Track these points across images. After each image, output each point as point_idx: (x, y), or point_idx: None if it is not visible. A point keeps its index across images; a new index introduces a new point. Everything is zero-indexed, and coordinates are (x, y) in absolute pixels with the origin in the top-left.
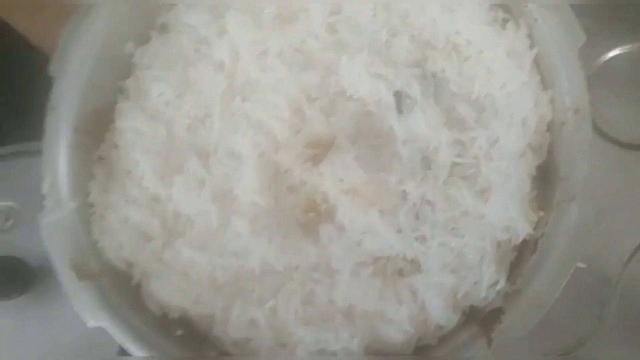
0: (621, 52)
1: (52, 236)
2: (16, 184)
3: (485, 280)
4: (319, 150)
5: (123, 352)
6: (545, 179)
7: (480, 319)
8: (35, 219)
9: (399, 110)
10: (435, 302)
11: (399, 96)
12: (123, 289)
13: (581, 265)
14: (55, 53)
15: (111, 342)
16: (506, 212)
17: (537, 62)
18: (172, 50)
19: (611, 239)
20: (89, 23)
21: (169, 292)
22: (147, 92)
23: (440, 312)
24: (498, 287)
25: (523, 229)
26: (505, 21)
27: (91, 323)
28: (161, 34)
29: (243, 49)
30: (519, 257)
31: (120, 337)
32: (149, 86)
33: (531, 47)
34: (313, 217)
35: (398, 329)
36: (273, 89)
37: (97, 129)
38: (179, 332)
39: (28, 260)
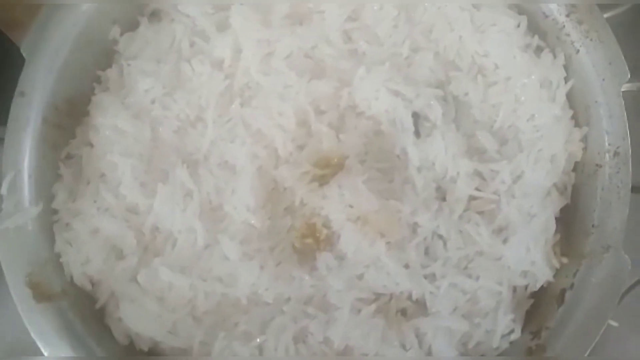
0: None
1: (8, 246)
2: None
3: (500, 330)
4: (328, 171)
5: None
6: (569, 223)
7: None
8: None
9: (417, 133)
10: (444, 349)
11: (416, 118)
12: (86, 313)
13: (613, 323)
14: (30, 30)
15: None
16: (527, 256)
17: (570, 96)
18: (164, 40)
19: None
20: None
21: (140, 319)
22: (131, 86)
23: None
24: (512, 337)
25: (544, 276)
26: (540, 49)
27: (49, 352)
28: (151, 22)
29: (247, 48)
30: (538, 305)
31: None
32: (134, 79)
33: (567, 79)
34: (311, 243)
35: None
36: (278, 96)
37: (68, 121)
38: None
39: None
